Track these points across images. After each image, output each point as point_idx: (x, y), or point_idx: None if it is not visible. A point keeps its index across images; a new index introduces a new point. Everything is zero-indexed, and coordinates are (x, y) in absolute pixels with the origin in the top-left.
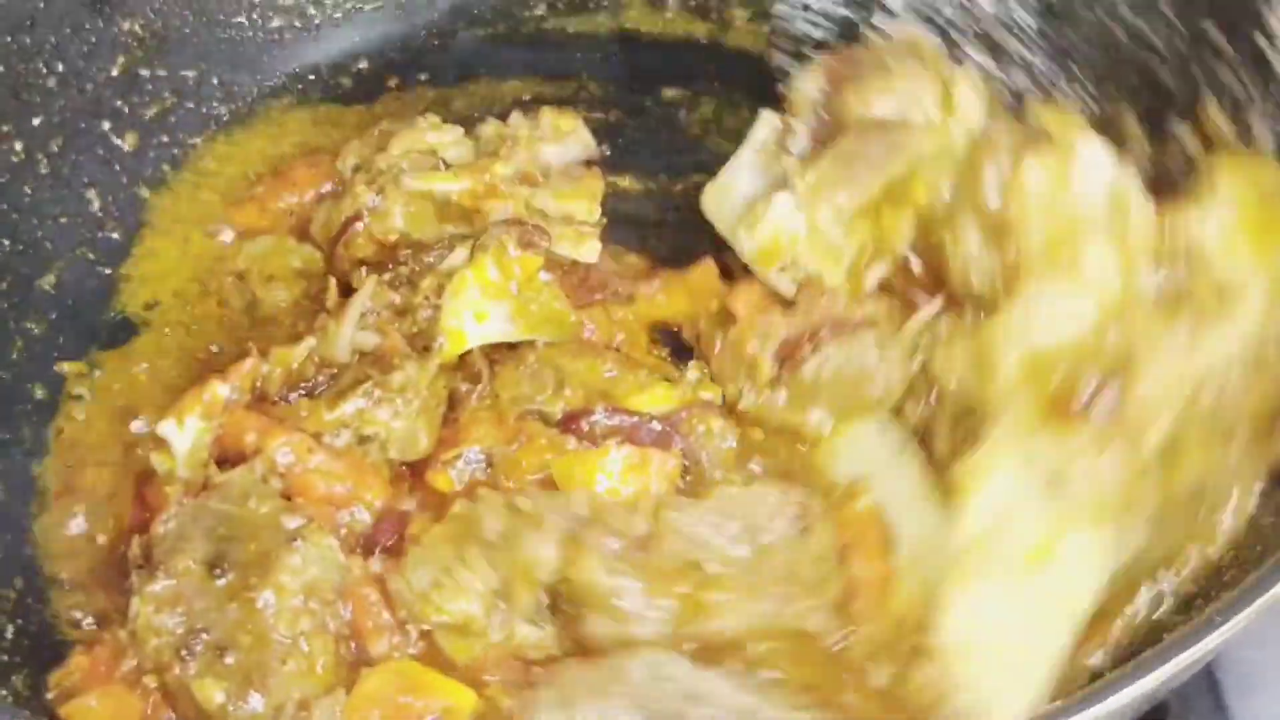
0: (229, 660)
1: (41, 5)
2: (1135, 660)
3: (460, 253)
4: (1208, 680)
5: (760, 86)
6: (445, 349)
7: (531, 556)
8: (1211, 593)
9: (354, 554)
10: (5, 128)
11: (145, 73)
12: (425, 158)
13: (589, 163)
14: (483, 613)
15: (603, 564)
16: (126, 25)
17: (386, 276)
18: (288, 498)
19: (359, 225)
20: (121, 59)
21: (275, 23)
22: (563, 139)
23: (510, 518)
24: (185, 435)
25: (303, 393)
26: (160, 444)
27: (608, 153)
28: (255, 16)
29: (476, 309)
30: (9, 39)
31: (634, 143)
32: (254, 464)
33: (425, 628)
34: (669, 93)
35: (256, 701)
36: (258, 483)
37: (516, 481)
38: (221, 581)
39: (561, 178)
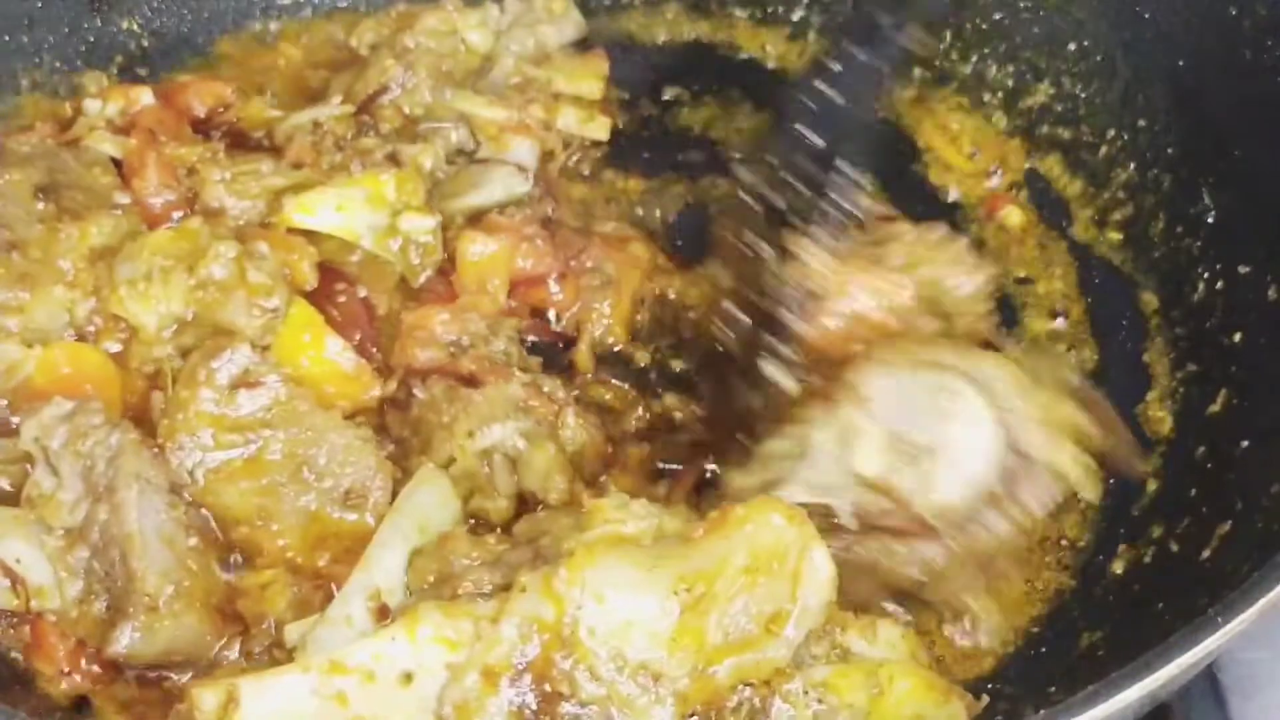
0: (14, 257)
1: (40, 5)
2: (1137, 661)
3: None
4: (1209, 681)
5: (760, 87)
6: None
7: (229, 321)
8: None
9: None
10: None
11: (145, 72)
12: (448, 38)
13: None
14: (156, 329)
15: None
16: (125, 24)
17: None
18: (127, 183)
19: (385, 98)
20: (120, 58)
21: (275, 24)
22: (555, 20)
23: (237, 274)
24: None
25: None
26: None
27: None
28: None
29: (342, 201)
30: (7, 38)
31: (635, 143)
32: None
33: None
34: (670, 92)
35: (22, 297)
36: (108, 161)
37: None
38: (41, 205)
39: (565, 58)
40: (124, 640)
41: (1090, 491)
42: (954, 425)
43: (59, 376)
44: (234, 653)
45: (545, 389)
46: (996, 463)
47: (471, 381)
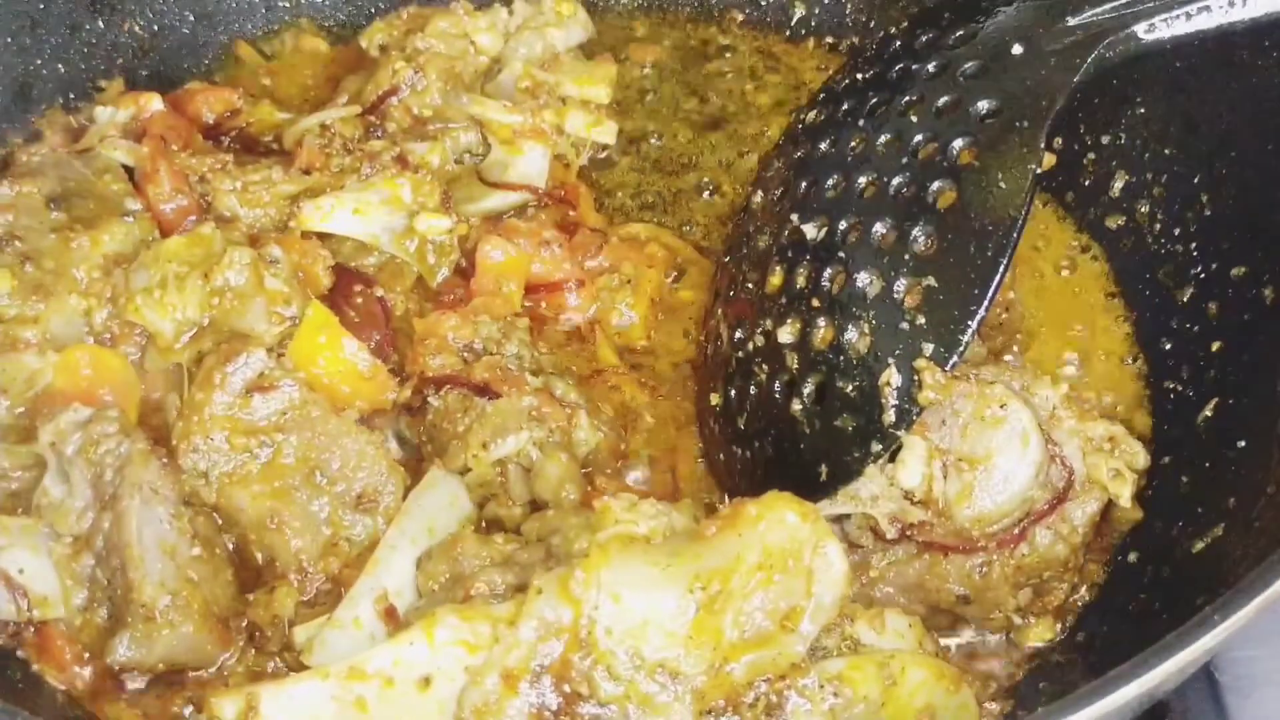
0: (28, 269)
1: (42, 6)
2: (1135, 659)
3: (423, 146)
4: (1206, 679)
5: (759, 88)
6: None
7: (247, 327)
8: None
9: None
10: (7, 129)
11: (146, 74)
12: (458, 41)
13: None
14: (173, 336)
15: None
16: (127, 25)
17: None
18: (139, 190)
19: (395, 99)
20: (122, 60)
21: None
22: (564, 23)
23: (254, 280)
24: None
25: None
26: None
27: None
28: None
29: (359, 205)
30: (10, 40)
31: (641, 145)
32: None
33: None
34: (671, 93)
35: (38, 308)
36: (119, 169)
37: None
38: (53, 215)
39: (573, 62)
40: (121, 649)
41: (1128, 501)
42: (998, 436)
43: (79, 379)
44: (245, 659)
45: (558, 393)
46: (1039, 474)
47: (485, 390)
